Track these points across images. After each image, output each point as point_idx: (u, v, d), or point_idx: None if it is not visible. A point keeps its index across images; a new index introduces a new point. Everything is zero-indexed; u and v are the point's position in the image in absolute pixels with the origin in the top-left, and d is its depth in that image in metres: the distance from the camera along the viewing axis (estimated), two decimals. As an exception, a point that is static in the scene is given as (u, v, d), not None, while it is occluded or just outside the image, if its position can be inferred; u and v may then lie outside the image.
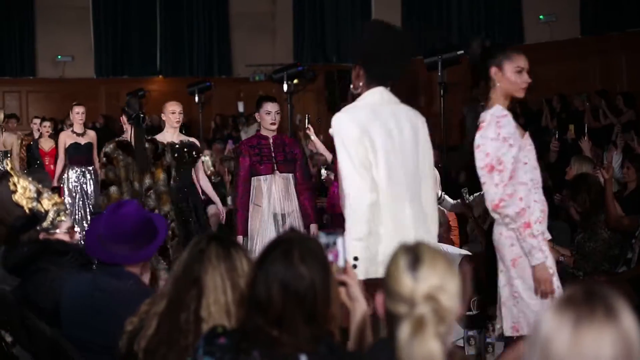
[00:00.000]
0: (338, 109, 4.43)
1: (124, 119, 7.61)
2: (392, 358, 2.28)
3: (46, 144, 12.81)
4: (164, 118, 7.74)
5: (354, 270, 2.79)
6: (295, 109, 14.32)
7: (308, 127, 8.48)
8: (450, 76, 11.23)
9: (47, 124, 13.18)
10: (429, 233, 4.36)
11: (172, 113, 7.67)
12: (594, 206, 6.89)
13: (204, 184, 8.06)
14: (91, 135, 11.05)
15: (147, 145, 7.00)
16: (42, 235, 4.03)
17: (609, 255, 6.91)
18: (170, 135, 7.71)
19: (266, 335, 2.45)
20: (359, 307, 2.75)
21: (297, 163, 7.28)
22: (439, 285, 2.32)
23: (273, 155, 7.18)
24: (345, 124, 4.26)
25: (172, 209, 7.11)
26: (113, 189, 6.97)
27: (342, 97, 18.08)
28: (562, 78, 15.12)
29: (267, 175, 7.15)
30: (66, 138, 10.87)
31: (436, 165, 8.31)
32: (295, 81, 14.71)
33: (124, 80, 20.67)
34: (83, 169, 10.73)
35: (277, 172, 7.16)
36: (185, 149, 7.64)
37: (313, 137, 8.30)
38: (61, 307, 3.65)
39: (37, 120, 13.89)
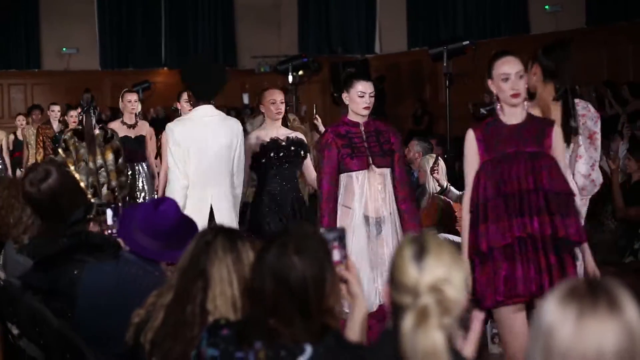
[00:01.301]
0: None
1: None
2: (397, 349, 2.29)
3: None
4: (262, 110, 6.71)
5: (355, 266, 2.79)
6: (300, 101, 14.32)
7: (316, 117, 8.42)
8: (456, 67, 11.21)
9: (73, 112, 11.06)
10: (234, 207, 6.05)
11: (272, 103, 6.62)
12: (601, 197, 6.88)
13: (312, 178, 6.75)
14: (145, 128, 9.53)
15: (97, 131, 8.11)
16: (92, 226, 4.10)
17: (615, 246, 6.91)
18: (272, 129, 6.66)
19: (265, 325, 2.47)
20: (359, 304, 2.76)
21: (395, 155, 5.81)
22: (444, 276, 2.32)
23: (367, 146, 5.74)
24: (172, 130, 5.89)
25: (121, 183, 8.11)
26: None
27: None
28: (567, 68, 15.09)
29: (361, 171, 5.69)
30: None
31: (442, 156, 8.30)
32: (301, 72, 14.71)
33: (129, 72, 20.67)
34: (132, 166, 9.03)
35: (372, 166, 5.71)
36: (292, 148, 6.57)
37: (321, 127, 8.16)
38: (80, 295, 3.65)
39: (56, 108, 12.34)
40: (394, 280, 2.38)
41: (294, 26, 21.61)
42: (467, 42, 10.31)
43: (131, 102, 9.43)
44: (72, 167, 7.84)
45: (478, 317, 2.48)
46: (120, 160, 8.19)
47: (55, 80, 20.73)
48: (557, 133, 4.57)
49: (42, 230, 4.12)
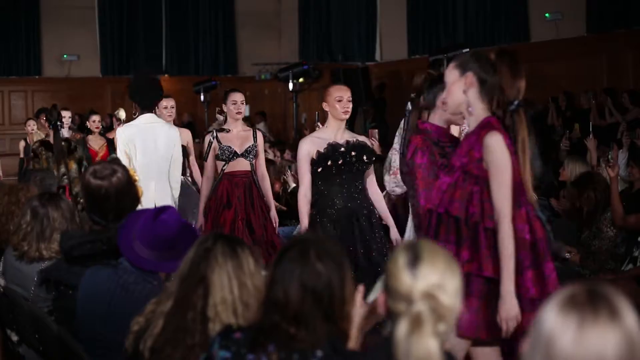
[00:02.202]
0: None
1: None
2: (391, 356, 2.29)
3: (96, 143, 10.40)
4: (325, 109, 6.02)
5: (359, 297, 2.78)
6: (300, 108, 14.35)
7: (317, 125, 8.48)
8: (456, 74, 11.21)
9: (95, 117, 10.66)
10: (172, 197, 6.92)
11: (339, 101, 5.94)
12: (600, 204, 6.88)
13: (376, 198, 6.17)
14: (184, 135, 8.27)
15: (63, 143, 9.04)
16: None
17: (614, 254, 6.91)
18: (333, 131, 6.01)
19: (283, 332, 2.49)
20: (354, 333, 2.75)
21: None
22: (438, 283, 2.32)
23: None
24: (120, 133, 7.00)
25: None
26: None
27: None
28: (568, 76, 15.10)
29: None
30: None
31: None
32: (301, 80, 14.74)
33: (130, 79, 20.66)
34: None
35: None
36: (354, 153, 5.94)
37: None
38: (79, 299, 3.65)
39: (67, 114, 11.26)
40: (389, 288, 2.39)
41: (294, 33, 21.63)
42: (467, 49, 10.32)
43: (167, 108, 8.38)
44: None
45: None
46: (83, 169, 9.02)
47: (56, 87, 20.74)
48: None
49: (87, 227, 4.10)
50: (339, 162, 5.90)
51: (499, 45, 16.80)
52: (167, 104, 8.39)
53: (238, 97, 7.27)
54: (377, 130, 8.34)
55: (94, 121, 10.50)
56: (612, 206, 6.79)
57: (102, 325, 3.47)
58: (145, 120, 6.98)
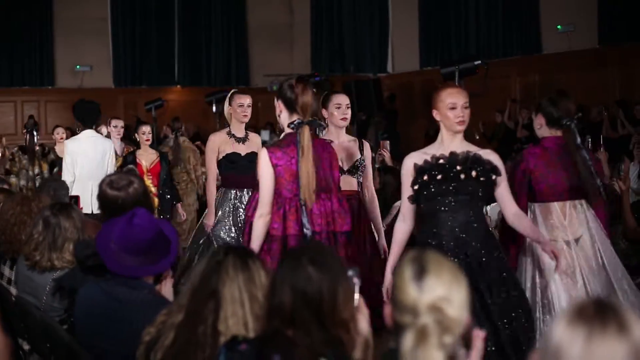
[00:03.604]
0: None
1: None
2: None
3: (145, 157, 9.28)
4: (437, 117, 4.85)
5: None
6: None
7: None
8: (468, 86, 11.22)
9: (146, 129, 9.39)
10: None
11: (451, 109, 4.80)
12: (611, 217, 6.86)
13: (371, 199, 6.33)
14: (255, 142, 7.40)
15: (37, 147, 11.40)
16: None
17: (626, 266, 6.88)
18: (450, 142, 4.89)
19: (283, 337, 2.50)
20: (361, 341, 2.75)
21: None
22: (444, 295, 2.33)
23: None
24: (67, 145, 8.70)
25: None
26: (13, 179, 11.06)
27: (359, 106, 18.10)
28: (580, 88, 15.07)
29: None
30: (220, 143, 7.30)
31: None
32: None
33: (142, 90, 20.75)
34: (236, 194, 7.23)
35: None
36: (478, 167, 4.79)
37: None
38: (75, 317, 3.65)
39: (119, 122, 10.09)
40: (395, 300, 2.40)
41: (306, 45, 21.67)
42: (479, 61, 10.30)
43: (243, 107, 7.32)
44: (13, 177, 10.98)
45: (479, 335, 2.48)
46: (55, 170, 10.59)
47: (68, 98, 20.74)
48: None
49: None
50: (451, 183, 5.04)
51: (511, 57, 16.82)
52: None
53: (343, 100, 6.42)
54: (388, 142, 8.33)
55: (143, 133, 9.32)
56: (623, 219, 6.78)
57: (101, 339, 3.47)
58: (86, 135, 8.70)
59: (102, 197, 3.98)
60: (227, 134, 7.33)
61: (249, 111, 7.27)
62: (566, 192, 5.36)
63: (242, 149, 7.27)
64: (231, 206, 7.20)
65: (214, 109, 15.84)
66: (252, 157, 6.98)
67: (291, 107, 5.18)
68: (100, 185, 4.03)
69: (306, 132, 5.01)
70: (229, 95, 7.45)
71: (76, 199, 8.84)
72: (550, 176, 5.34)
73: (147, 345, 3.06)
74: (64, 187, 7.24)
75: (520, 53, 16.86)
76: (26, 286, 4.51)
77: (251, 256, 2.99)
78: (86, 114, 8.83)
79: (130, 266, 3.52)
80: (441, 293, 2.33)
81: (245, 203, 7.01)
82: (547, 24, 16.60)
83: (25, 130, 12.53)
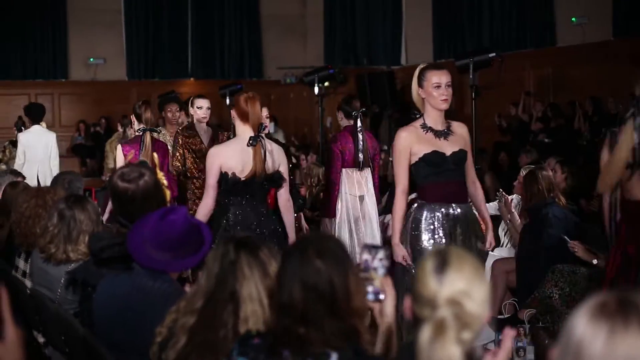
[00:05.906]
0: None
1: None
2: None
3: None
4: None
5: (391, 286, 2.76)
6: (325, 112, 14.31)
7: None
8: (482, 78, 11.18)
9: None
10: (50, 175, 10.13)
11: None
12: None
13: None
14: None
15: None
16: None
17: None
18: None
19: (294, 335, 2.48)
20: (386, 324, 2.73)
21: None
22: (464, 290, 2.31)
23: None
24: (21, 137, 11.21)
25: None
26: (3, 167, 12.63)
27: (372, 99, 18.07)
28: (594, 80, 15.01)
29: None
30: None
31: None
32: (326, 84, 14.72)
33: (156, 82, 20.79)
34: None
35: None
36: None
37: None
38: (95, 306, 3.65)
39: (204, 103, 7.88)
40: (415, 293, 2.38)
41: (320, 37, 21.65)
42: (494, 54, 10.24)
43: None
44: (4, 165, 12.52)
45: (509, 334, 2.45)
46: None
47: (82, 91, 20.88)
48: None
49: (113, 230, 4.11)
50: None
51: (525, 50, 16.76)
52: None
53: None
54: None
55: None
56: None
57: (121, 331, 3.46)
58: (35, 130, 11.25)
59: (112, 188, 3.97)
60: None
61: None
62: None
63: None
64: None
65: (227, 101, 15.86)
66: None
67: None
68: (112, 177, 4.03)
69: None
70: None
71: (90, 191, 8.81)
72: None
73: (159, 346, 3.03)
74: (79, 179, 7.19)
75: (534, 45, 16.80)
76: (41, 279, 4.51)
77: (260, 247, 2.97)
78: (34, 113, 11.53)
79: (155, 259, 3.51)
80: (461, 287, 2.31)
81: None
82: (561, 16, 16.54)
83: (14, 128, 14.65)
